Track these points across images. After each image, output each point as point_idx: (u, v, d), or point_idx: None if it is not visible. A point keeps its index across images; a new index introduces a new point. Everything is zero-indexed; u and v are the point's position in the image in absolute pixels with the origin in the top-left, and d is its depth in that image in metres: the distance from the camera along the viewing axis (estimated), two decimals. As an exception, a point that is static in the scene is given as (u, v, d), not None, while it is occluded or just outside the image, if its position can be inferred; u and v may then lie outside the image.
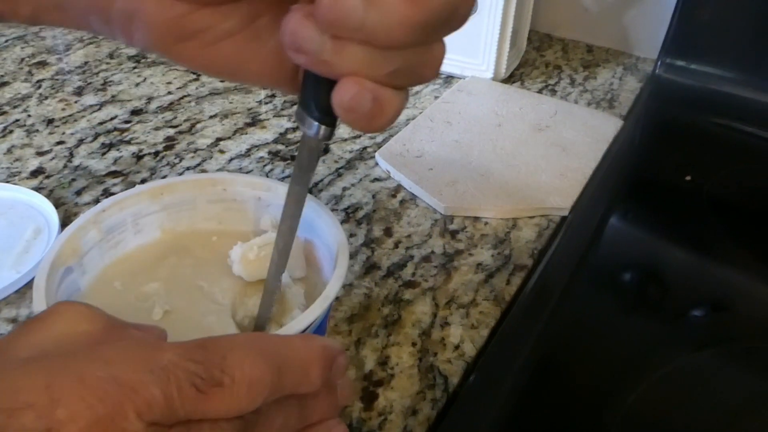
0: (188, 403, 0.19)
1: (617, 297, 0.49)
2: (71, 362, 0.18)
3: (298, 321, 0.26)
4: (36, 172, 0.49)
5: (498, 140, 0.56)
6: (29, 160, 0.51)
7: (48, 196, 0.45)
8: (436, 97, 0.63)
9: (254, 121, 0.58)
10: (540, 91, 0.67)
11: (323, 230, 0.31)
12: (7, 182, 0.48)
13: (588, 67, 0.73)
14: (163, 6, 0.23)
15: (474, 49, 0.66)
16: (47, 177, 0.49)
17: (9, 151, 0.52)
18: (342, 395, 0.25)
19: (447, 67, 0.68)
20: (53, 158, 0.51)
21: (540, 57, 0.74)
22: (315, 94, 0.23)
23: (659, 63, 0.71)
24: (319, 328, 0.29)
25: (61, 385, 0.17)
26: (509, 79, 0.68)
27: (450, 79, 0.67)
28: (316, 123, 0.23)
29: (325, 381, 0.23)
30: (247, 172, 0.51)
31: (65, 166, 0.50)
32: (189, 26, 0.24)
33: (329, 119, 0.23)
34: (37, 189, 0.47)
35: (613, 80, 0.70)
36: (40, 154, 0.52)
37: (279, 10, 0.23)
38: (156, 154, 0.53)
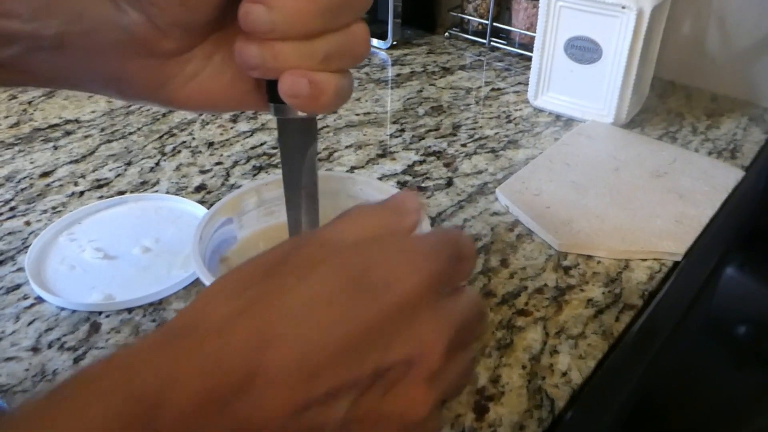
0: (453, 270, 0.27)
1: (723, 345, 0.50)
2: (396, 242, 0.27)
3: None
4: (199, 188, 0.57)
5: (615, 184, 0.58)
6: (194, 177, 0.59)
7: (209, 209, 0.53)
8: (556, 139, 0.66)
9: (385, 153, 0.64)
10: (660, 138, 0.68)
11: None
12: (177, 194, 0.56)
13: (711, 115, 0.73)
14: (137, 65, 0.29)
15: (596, 94, 0.68)
16: (208, 192, 0.57)
17: (177, 168, 0.60)
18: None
19: (568, 110, 0.71)
20: (213, 176, 0.59)
21: (662, 104, 0.76)
22: (274, 93, 0.29)
23: (787, 115, 0.70)
24: None
25: (398, 258, 0.26)
26: (630, 125, 0.70)
27: (570, 122, 0.71)
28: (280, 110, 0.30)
29: None
30: (377, 199, 0.56)
31: (223, 184, 0.58)
32: (160, 77, 0.30)
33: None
34: (200, 202, 0.54)
35: (736, 130, 0.71)
36: (202, 172, 0.60)
37: (228, 45, 0.29)
38: (299, 177, 0.59)
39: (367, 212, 0.29)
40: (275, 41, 0.27)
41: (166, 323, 0.25)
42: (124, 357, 0.22)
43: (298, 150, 0.33)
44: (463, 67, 0.85)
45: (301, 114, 0.30)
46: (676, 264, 0.50)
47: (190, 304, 0.25)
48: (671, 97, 0.78)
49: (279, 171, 0.60)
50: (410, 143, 0.66)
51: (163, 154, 0.62)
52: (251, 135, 0.66)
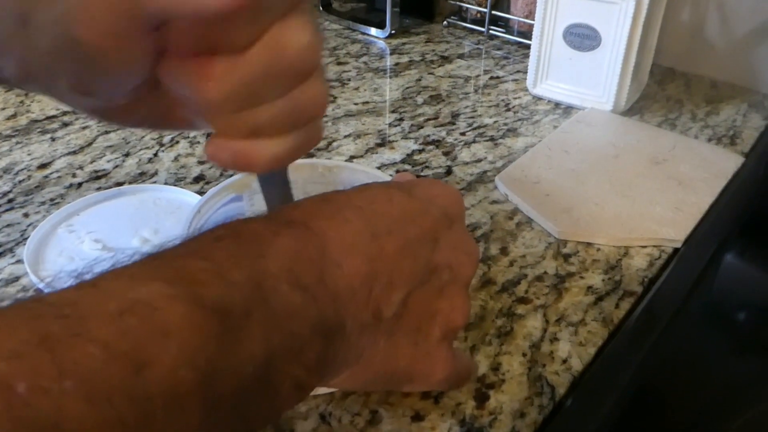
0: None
1: (723, 331, 0.50)
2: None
3: None
4: (198, 178, 0.57)
5: (614, 171, 0.58)
6: (192, 168, 0.59)
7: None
8: (555, 127, 0.66)
9: (384, 142, 0.64)
10: (659, 125, 0.68)
11: None
12: (175, 185, 0.56)
13: (711, 102, 0.73)
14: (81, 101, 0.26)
15: (595, 81, 0.68)
16: (207, 183, 0.56)
17: (176, 159, 0.60)
18: None
19: (567, 98, 0.71)
20: (212, 167, 0.59)
21: (661, 91, 0.76)
22: None
23: (787, 101, 0.70)
24: None
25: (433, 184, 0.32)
26: (629, 112, 0.70)
27: (570, 109, 0.70)
28: None
29: None
30: (376, 189, 0.56)
31: (222, 174, 0.58)
32: (132, 117, 0.27)
33: None
34: (199, 192, 0.54)
35: (736, 116, 0.70)
36: (201, 162, 0.60)
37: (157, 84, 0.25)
38: (297, 167, 0.59)
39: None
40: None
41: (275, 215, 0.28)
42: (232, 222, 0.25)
43: None
44: (461, 56, 0.85)
45: None
46: (675, 251, 0.50)
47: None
48: (671, 84, 0.78)
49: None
50: (409, 132, 0.66)
51: (161, 145, 0.62)
52: (249, 125, 0.66)
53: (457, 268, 0.30)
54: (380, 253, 0.26)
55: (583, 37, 0.67)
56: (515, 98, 0.73)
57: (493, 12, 0.87)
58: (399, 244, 0.27)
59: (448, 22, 0.94)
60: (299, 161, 0.43)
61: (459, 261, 0.30)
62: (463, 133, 0.66)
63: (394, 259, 0.27)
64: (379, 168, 0.59)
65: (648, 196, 0.55)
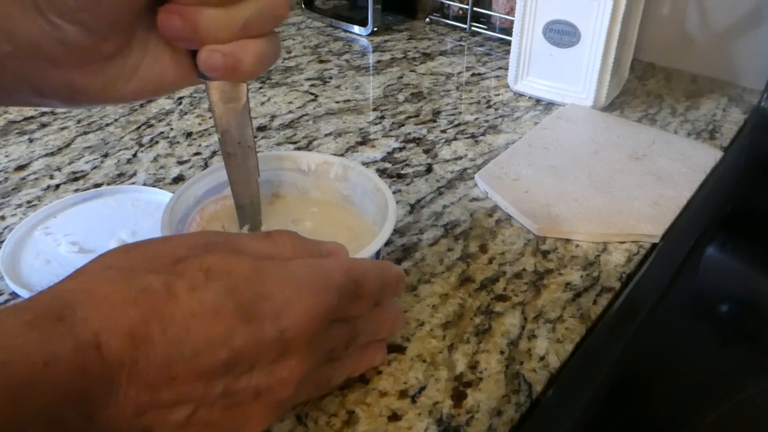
0: (345, 307, 0.30)
1: (707, 324, 0.50)
2: (286, 266, 0.29)
3: (369, 248, 0.36)
4: (177, 179, 0.57)
5: (594, 167, 0.58)
6: (171, 168, 0.58)
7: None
8: (536, 123, 0.66)
9: (365, 140, 0.63)
10: (639, 120, 0.68)
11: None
12: (154, 186, 0.55)
13: (691, 96, 0.74)
14: (82, 73, 0.29)
15: (575, 78, 0.68)
16: (186, 183, 0.56)
17: (155, 159, 0.60)
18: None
19: (547, 94, 0.71)
20: (191, 167, 0.59)
21: (642, 86, 0.76)
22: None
23: (765, 95, 0.71)
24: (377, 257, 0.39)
25: (294, 292, 0.27)
26: (609, 108, 0.70)
27: (550, 106, 0.70)
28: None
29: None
30: (357, 187, 0.56)
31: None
32: (106, 78, 0.30)
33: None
34: (178, 194, 0.54)
35: (716, 111, 0.71)
36: (180, 163, 0.59)
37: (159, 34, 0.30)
38: (277, 167, 0.59)
39: (290, 236, 0.32)
40: (194, 11, 0.28)
41: (53, 294, 0.24)
42: (3, 330, 0.22)
43: (229, 108, 0.35)
44: (443, 53, 0.85)
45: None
46: (654, 246, 0.51)
47: (74, 273, 0.25)
48: (651, 79, 0.78)
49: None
50: (390, 130, 0.66)
51: (141, 145, 0.62)
52: (230, 125, 0.66)
53: (265, 393, 0.27)
54: (169, 382, 0.24)
55: (562, 34, 0.67)
56: (496, 95, 0.73)
57: (475, 9, 0.87)
58: (199, 371, 0.25)
59: (431, 19, 0.94)
60: (299, 156, 0.46)
61: (270, 387, 0.27)
62: (444, 131, 0.66)
63: (185, 385, 0.25)
64: (359, 166, 0.59)
65: (627, 192, 0.55)
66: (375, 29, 0.89)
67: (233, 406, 0.26)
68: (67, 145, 0.62)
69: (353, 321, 0.32)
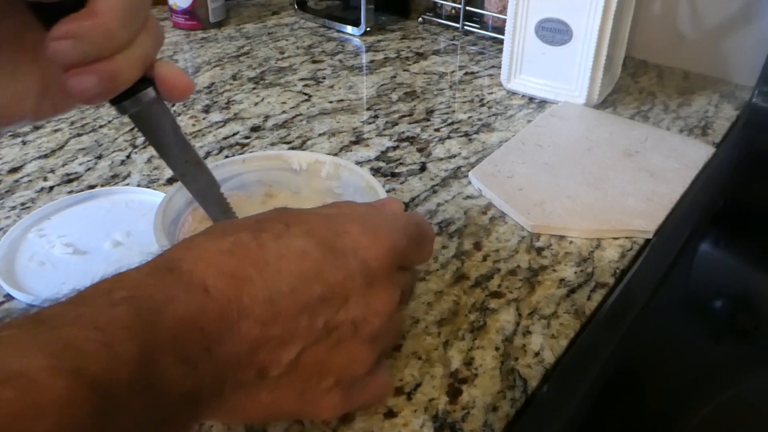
0: (411, 251, 0.32)
1: (700, 319, 0.50)
2: (368, 217, 0.31)
3: None
4: (171, 180, 0.57)
5: (587, 164, 0.58)
6: (165, 169, 0.58)
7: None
8: (529, 121, 0.67)
9: (358, 140, 0.64)
10: (632, 117, 0.69)
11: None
12: (148, 187, 0.55)
13: (683, 93, 0.74)
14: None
15: (568, 75, 0.68)
16: (180, 184, 0.56)
17: (149, 160, 0.60)
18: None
19: (540, 92, 0.71)
20: (185, 168, 0.58)
21: (634, 83, 0.76)
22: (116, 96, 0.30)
23: (756, 91, 0.71)
24: None
25: (366, 230, 0.30)
26: (602, 105, 0.71)
27: (543, 103, 0.71)
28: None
29: None
30: (351, 186, 0.56)
31: (195, 175, 0.58)
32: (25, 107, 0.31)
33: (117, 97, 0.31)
34: (172, 194, 0.54)
35: (708, 107, 0.71)
36: (174, 164, 0.59)
37: (25, 53, 0.30)
38: (272, 167, 0.59)
39: (347, 202, 0.34)
40: (108, 64, 0.28)
41: (160, 256, 0.27)
42: (128, 277, 0.25)
43: (160, 131, 0.34)
44: (436, 52, 0.85)
45: (144, 101, 0.32)
46: (647, 241, 0.51)
47: (181, 242, 0.28)
48: (643, 76, 0.78)
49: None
50: (384, 129, 0.66)
51: (135, 147, 0.62)
52: (224, 125, 0.66)
53: (361, 325, 0.29)
54: (275, 316, 0.26)
55: (554, 32, 0.67)
56: (490, 93, 0.73)
57: (468, 8, 0.88)
58: (299, 304, 0.27)
59: (423, 19, 0.94)
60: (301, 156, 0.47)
61: (365, 319, 0.29)
62: (437, 129, 0.66)
63: (290, 320, 0.26)
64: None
65: (620, 188, 0.55)
66: (368, 29, 0.89)
67: (336, 345, 0.28)
68: (61, 147, 0.62)
69: (411, 276, 0.34)
